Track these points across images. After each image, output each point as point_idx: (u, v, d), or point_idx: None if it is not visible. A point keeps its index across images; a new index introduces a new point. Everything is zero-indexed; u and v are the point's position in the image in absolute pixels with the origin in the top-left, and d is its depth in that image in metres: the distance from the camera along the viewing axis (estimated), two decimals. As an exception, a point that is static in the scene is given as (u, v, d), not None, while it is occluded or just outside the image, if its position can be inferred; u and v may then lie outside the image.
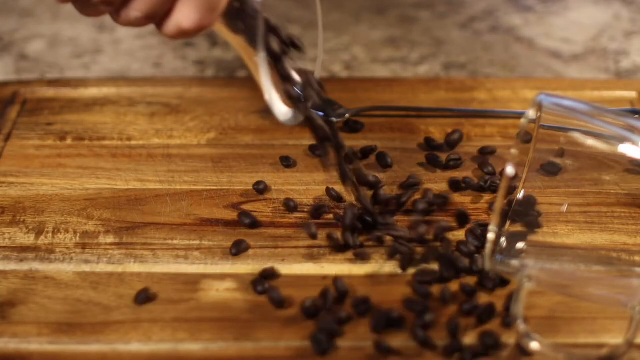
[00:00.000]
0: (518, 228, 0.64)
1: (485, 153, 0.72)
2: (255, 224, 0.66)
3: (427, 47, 0.90)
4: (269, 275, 0.62)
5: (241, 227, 0.66)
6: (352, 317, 0.59)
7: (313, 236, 0.65)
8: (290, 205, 0.68)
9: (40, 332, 0.59)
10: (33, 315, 0.60)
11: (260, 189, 0.69)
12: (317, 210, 0.67)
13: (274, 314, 0.60)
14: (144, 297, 0.61)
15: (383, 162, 0.72)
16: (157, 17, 0.62)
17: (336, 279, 0.61)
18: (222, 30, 0.67)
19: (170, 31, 0.62)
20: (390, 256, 0.63)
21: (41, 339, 0.59)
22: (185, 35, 0.62)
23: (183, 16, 0.61)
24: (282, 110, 0.70)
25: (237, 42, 0.68)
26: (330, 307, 0.59)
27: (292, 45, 0.68)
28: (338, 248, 0.64)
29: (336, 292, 0.60)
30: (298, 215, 0.67)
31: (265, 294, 0.61)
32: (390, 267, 0.63)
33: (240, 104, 0.78)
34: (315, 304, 0.59)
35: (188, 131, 0.76)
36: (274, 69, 0.67)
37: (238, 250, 0.64)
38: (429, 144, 0.73)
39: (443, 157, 0.72)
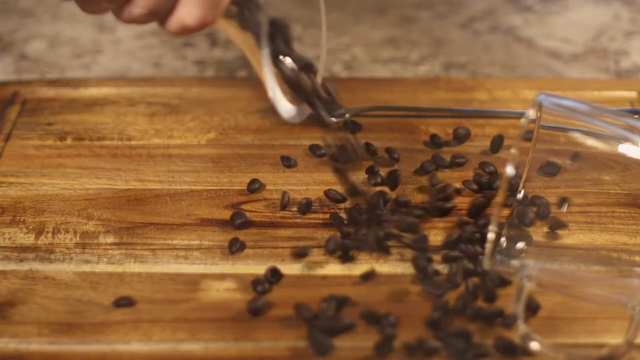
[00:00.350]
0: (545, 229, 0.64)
1: (496, 142, 0.72)
2: (245, 224, 0.66)
3: (427, 47, 0.90)
4: (272, 275, 0.62)
5: (236, 227, 0.66)
6: (354, 325, 0.59)
7: (303, 255, 0.64)
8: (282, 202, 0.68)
9: (40, 332, 0.59)
10: (33, 315, 0.60)
11: (254, 188, 0.69)
12: (306, 207, 0.67)
13: (274, 314, 0.60)
14: (122, 304, 0.61)
15: (392, 156, 0.72)
16: (160, 14, 0.62)
17: (332, 297, 0.61)
18: (225, 27, 0.67)
19: (174, 28, 0.62)
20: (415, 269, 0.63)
21: (41, 339, 0.59)
22: (188, 32, 0.62)
23: (186, 13, 0.61)
24: (285, 107, 0.70)
25: (240, 39, 0.68)
26: (331, 316, 0.59)
27: (328, 93, 0.69)
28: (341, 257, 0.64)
29: (336, 304, 0.60)
30: (298, 215, 0.67)
31: (264, 294, 0.61)
32: (389, 267, 0.63)
33: (240, 104, 0.78)
34: (314, 315, 0.59)
35: (188, 131, 0.76)
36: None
37: (236, 248, 0.64)
38: (435, 142, 0.73)
39: (445, 156, 0.72)
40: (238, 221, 0.66)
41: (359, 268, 0.63)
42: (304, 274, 0.63)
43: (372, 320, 0.59)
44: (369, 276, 0.62)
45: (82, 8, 0.63)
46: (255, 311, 0.60)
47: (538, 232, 0.63)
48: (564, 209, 0.65)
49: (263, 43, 0.65)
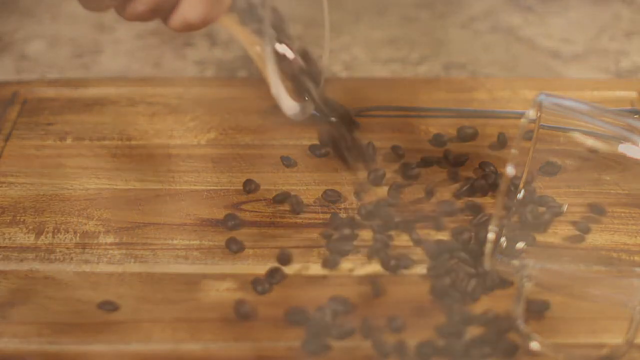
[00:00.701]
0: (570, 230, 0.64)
1: (502, 140, 0.72)
2: (238, 225, 0.66)
3: (427, 47, 0.90)
4: (274, 275, 0.62)
5: (229, 229, 0.66)
6: (353, 331, 0.59)
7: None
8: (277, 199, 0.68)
9: (40, 332, 0.59)
10: (33, 315, 0.60)
11: (250, 189, 0.69)
12: (298, 206, 0.67)
13: (274, 314, 0.60)
14: (108, 309, 0.60)
15: (397, 152, 0.72)
16: (163, 11, 0.62)
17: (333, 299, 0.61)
18: (228, 23, 0.67)
19: (177, 24, 0.62)
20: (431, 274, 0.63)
21: (41, 339, 0.59)
22: (191, 29, 0.62)
23: (189, 9, 0.61)
24: (289, 104, 0.70)
25: (243, 36, 0.68)
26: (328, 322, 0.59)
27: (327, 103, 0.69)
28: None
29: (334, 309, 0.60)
30: (298, 215, 0.67)
31: (265, 294, 0.61)
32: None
33: (240, 104, 0.78)
34: (306, 319, 0.59)
35: (188, 131, 0.76)
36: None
37: (237, 247, 0.64)
38: (438, 140, 0.73)
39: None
40: (230, 223, 0.66)
41: (359, 268, 0.63)
42: (303, 274, 0.63)
43: (369, 333, 0.58)
44: (375, 286, 0.62)
45: (84, 5, 0.62)
46: (244, 316, 0.60)
47: (557, 234, 0.63)
48: (564, 209, 0.65)
49: (266, 39, 0.65)
